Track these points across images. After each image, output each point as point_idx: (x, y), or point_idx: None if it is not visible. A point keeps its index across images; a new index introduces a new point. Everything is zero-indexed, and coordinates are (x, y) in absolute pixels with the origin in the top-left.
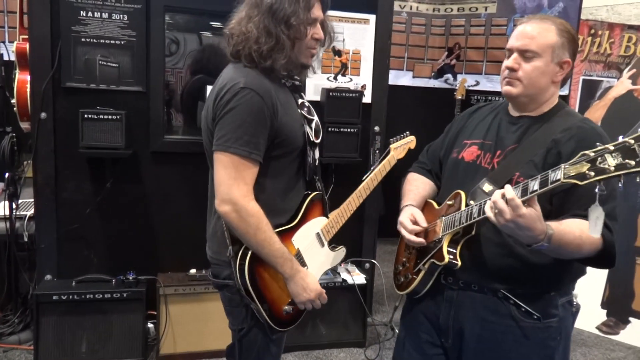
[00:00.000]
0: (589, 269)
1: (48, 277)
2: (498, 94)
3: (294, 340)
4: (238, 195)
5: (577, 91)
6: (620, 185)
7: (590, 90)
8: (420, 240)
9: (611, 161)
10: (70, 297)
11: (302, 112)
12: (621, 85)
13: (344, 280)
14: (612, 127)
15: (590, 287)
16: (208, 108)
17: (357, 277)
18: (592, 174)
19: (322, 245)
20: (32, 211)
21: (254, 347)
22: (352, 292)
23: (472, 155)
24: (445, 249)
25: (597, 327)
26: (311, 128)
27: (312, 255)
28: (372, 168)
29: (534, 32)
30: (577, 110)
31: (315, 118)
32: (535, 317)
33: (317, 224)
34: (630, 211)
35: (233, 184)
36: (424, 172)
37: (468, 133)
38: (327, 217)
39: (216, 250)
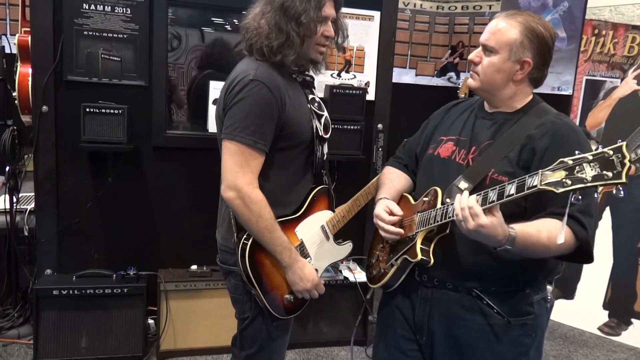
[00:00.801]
0: (591, 270)
1: (48, 271)
2: None
3: (295, 337)
4: (243, 183)
5: (580, 91)
6: (596, 195)
7: (594, 90)
8: (398, 230)
9: (589, 171)
10: (71, 292)
11: (312, 107)
12: (626, 85)
13: (346, 278)
14: (617, 127)
15: (592, 288)
16: (220, 100)
17: (358, 275)
18: (569, 182)
19: (327, 238)
20: (32, 205)
21: (258, 337)
22: (353, 290)
23: (448, 152)
24: (418, 246)
25: (599, 328)
26: (320, 123)
27: (316, 247)
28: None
29: (497, 28)
30: (580, 110)
31: (325, 114)
32: (506, 319)
33: (322, 217)
34: (633, 213)
35: (239, 171)
36: (400, 167)
37: (445, 129)
38: (334, 210)
39: (224, 237)
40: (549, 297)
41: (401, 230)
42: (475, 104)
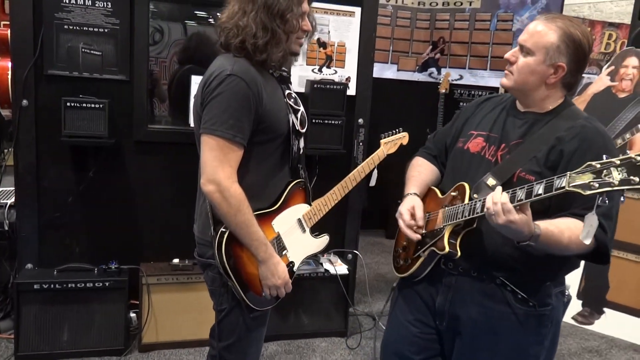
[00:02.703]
0: None
1: (29, 266)
2: (481, 88)
3: (276, 329)
4: (222, 176)
5: None
6: (622, 199)
7: None
8: (416, 235)
9: (616, 175)
10: (52, 286)
11: (289, 102)
12: (600, 81)
13: (327, 271)
14: None
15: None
16: (197, 95)
17: (339, 268)
18: (596, 185)
19: (304, 231)
20: (12, 199)
21: (235, 328)
22: (334, 282)
23: (477, 147)
24: (446, 239)
25: (573, 317)
26: (297, 117)
27: (293, 240)
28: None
29: (535, 30)
30: None
31: (301, 109)
32: (531, 304)
33: (298, 210)
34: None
35: (218, 165)
36: (430, 158)
37: (475, 124)
38: (310, 204)
39: (202, 230)
40: (567, 292)
41: (418, 236)
42: (507, 101)
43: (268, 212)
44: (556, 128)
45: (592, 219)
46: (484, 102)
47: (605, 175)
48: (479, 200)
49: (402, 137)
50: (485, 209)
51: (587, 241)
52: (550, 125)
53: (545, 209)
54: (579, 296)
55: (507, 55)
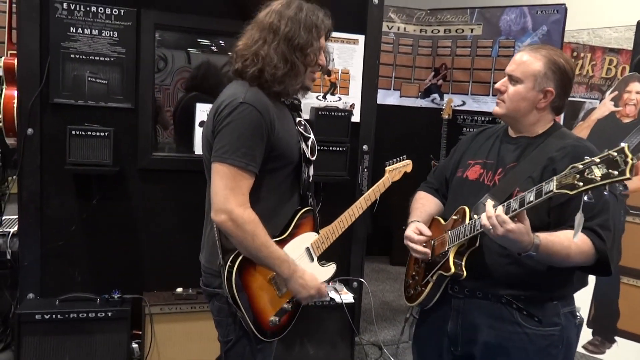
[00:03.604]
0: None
1: (31, 295)
2: (484, 114)
3: (281, 359)
4: (234, 205)
5: None
6: (605, 193)
7: (574, 111)
8: (426, 250)
9: (597, 172)
10: (53, 316)
11: (299, 129)
12: (604, 106)
13: (332, 299)
14: (596, 147)
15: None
16: (208, 122)
17: (345, 296)
18: (581, 184)
19: (312, 260)
20: (15, 228)
21: (242, 359)
22: (340, 311)
23: (476, 174)
24: (451, 260)
25: (584, 346)
26: (307, 145)
27: None
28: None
29: (522, 60)
30: None
31: (312, 136)
32: (536, 319)
33: (307, 239)
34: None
35: (229, 194)
36: (431, 191)
37: (472, 154)
38: (318, 232)
39: (208, 259)
40: (578, 315)
41: (428, 251)
42: (500, 131)
43: (278, 241)
44: (548, 149)
45: (579, 217)
46: (479, 135)
47: (587, 174)
48: (478, 219)
49: (407, 165)
50: (482, 225)
51: (576, 239)
52: (542, 147)
53: (545, 225)
54: (589, 325)
55: (497, 85)
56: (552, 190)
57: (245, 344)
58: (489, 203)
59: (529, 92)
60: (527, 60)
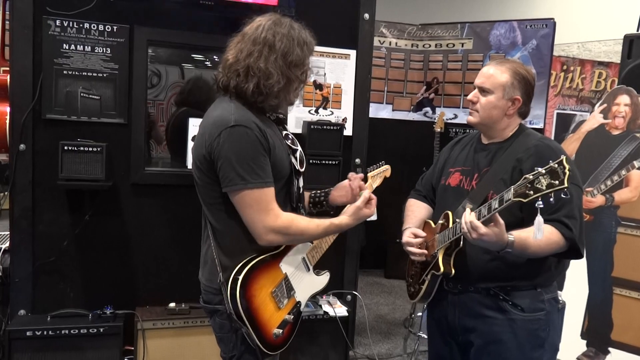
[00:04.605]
0: (568, 299)
1: (22, 312)
2: None
3: None
4: (272, 222)
5: (551, 124)
6: (563, 195)
7: (564, 124)
8: (423, 251)
9: (544, 182)
10: (45, 332)
11: (287, 142)
12: (593, 119)
13: (326, 313)
14: (586, 159)
15: (570, 317)
16: (198, 145)
17: (338, 310)
18: (532, 192)
19: (308, 269)
20: (7, 244)
21: None
22: (333, 324)
23: (456, 181)
24: (440, 260)
25: (578, 358)
26: (296, 158)
27: (299, 280)
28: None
29: (490, 73)
30: None
31: (299, 148)
32: (521, 307)
33: (302, 249)
34: (605, 243)
35: (263, 216)
36: (420, 197)
37: (452, 162)
38: (312, 242)
39: (208, 278)
40: (560, 299)
41: (425, 251)
42: (474, 139)
43: (275, 254)
44: (516, 151)
45: (538, 219)
46: (456, 144)
47: (536, 183)
48: (459, 223)
49: (386, 170)
50: (461, 229)
51: (539, 236)
52: (511, 150)
53: (519, 220)
54: (582, 336)
55: (470, 97)
56: (510, 199)
57: (249, 358)
58: (467, 209)
59: (500, 101)
60: (495, 73)
